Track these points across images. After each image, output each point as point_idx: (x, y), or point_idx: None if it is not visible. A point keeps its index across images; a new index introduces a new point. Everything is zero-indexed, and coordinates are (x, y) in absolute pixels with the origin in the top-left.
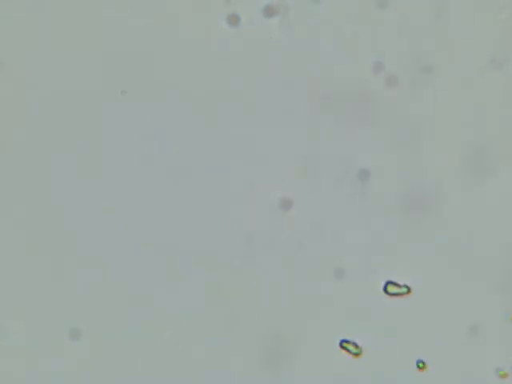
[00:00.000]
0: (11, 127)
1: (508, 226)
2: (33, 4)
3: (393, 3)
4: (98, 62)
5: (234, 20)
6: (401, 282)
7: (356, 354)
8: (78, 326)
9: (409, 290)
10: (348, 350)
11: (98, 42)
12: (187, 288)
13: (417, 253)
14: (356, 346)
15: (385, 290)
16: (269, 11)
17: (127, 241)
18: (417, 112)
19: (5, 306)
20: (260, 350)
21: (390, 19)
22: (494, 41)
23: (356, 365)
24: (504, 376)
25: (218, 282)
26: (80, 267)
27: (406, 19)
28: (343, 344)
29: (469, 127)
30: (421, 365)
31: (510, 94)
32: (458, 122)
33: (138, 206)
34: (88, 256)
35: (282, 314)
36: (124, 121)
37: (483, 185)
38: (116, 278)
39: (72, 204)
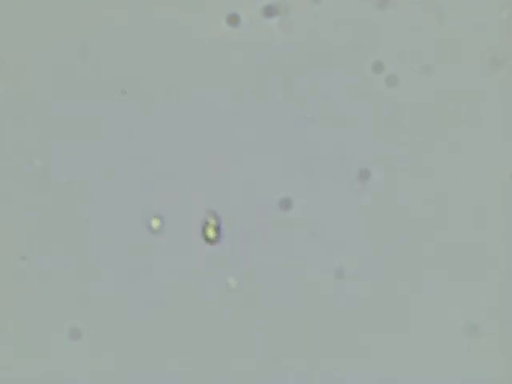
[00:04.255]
0: (11, 127)
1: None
2: (33, 4)
3: (393, 3)
4: (98, 61)
5: (233, 20)
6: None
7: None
8: (77, 326)
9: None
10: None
11: (98, 42)
12: (187, 288)
13: (416, 252)
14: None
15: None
16: (269, 11)
17: (127, 240)
18: (417, 112)
19: (5, 306)
20: (260, 351)
21: (390, 19)
22: (493, 41)
23: (362, 370)
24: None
25: (217, 281)
26: (80, 267)
27: (406, 19)
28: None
29: (468, 125)
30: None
31: (510, 94)
32: (457, 121)
33: (137, 206)
34: (88, 256)
35: (282, 313)
36: (124, 121)
37: (485, 188)
38: (116, 278)
39: (72, 204)
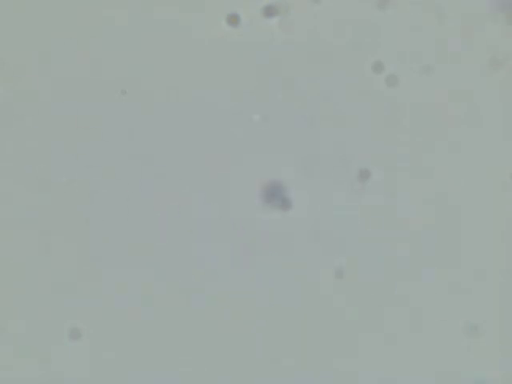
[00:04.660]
0: (10, 127)
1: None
2: (33, 4)
3: (393, 3)
4: (98, 61)
5: (233, 20)
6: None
7: None
8: (77, 326)
9: None
10: None
11: (98, 42)
12: (187, 288)
13: (416, 252)
14: None
15: None
16: (269, 11)
17: (126, 240)
18: (417, 112)
19: (5, 306)
20: (260, 351)
21: (389, 19)
22: (494, 41)
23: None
24: None
25: (217, 282)
26: (80, 267)
27: (406, 19)
28: None
29: (468, 125)
30: None
31: (510, 94)
32: (457, 121)
33: (137, 206)
34: (88, 256)
35: (282, 314)
36: (124, 121)
37: (485, 187)
38: (116, 277)
39: (71, 204)
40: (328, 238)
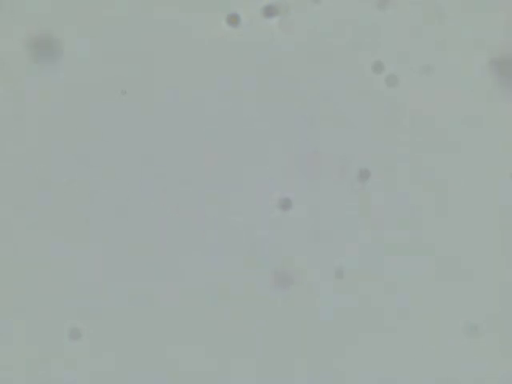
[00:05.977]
0: (10, 127)
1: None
2: (33, 3)
3: (393, 3)
4: (99, 61)
5: (233, 20)
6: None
7: None
8: (78, 326)
9: None
10: None
11: (98, 42)
12: (187, 288)
13: (416, 252)
14: None
15: None
16: (269, 11)
17: (127, 241)
18: (417, 112)
19: (5, 306)
20: (260, 351)
21: (390, 19)
22: (494, 41)
23: (362, 370)
24: None
25: (217, 282)
26: (80, 267)
27: (406, 19)
28: None
29: (468, 125)
30: None
31: (511, 94)
32: (457, 121)
33: (137, 206)
34: (89, 256)
35: (282, 314)
36: (124, 121)
37: (483, 192)
38: (116, 277)
39: (71, 204)
40: (328, 238)
